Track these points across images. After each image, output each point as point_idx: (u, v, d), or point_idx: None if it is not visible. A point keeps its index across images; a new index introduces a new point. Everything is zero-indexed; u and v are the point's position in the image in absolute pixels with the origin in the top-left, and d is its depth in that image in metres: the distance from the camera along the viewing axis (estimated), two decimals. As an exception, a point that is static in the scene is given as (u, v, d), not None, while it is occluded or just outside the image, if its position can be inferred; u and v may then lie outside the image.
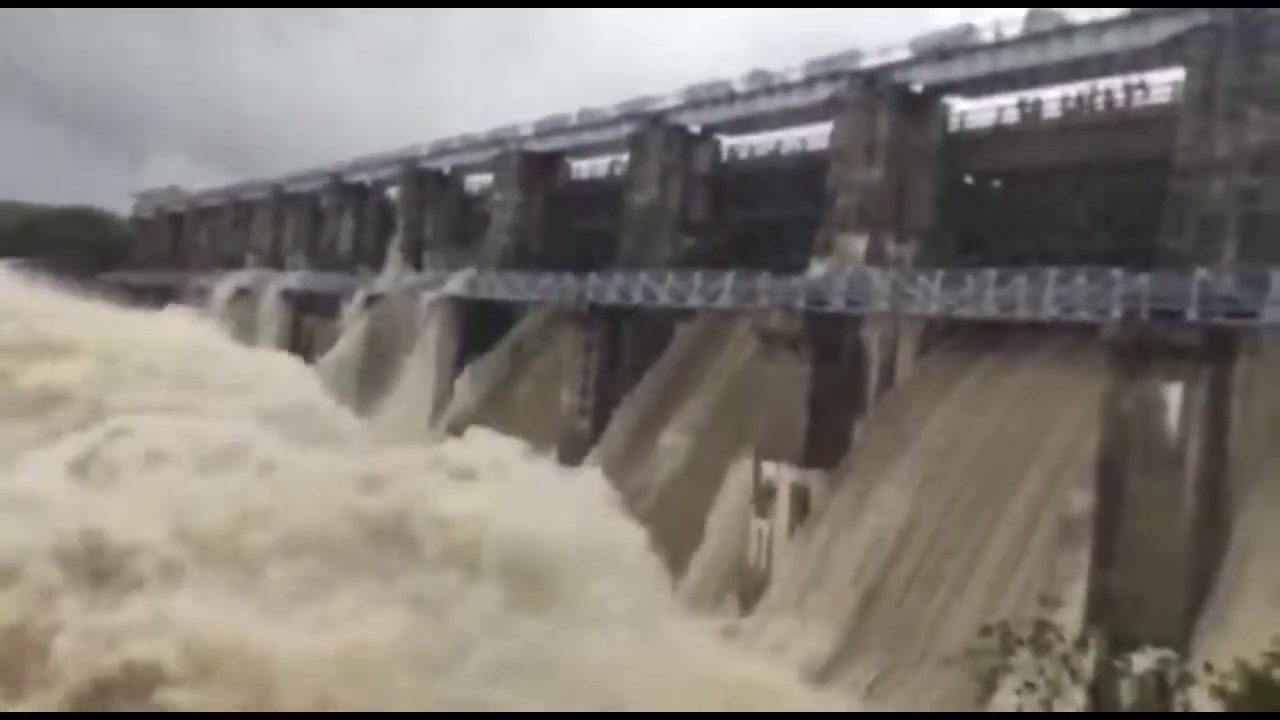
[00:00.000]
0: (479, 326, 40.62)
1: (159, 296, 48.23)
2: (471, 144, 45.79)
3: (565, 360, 34.21)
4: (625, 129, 36.45)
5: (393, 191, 51.82)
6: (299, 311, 51.04)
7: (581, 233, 41.35)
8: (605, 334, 33.08)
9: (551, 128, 41.30)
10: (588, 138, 39.66)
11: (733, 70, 36.39)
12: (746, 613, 23.92)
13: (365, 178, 53.24)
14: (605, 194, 39.88)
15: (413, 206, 48.82)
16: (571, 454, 32.95)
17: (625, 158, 37.60)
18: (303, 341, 47.48)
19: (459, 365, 40.51)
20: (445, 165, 48.34)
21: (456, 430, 36.71)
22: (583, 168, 43.64)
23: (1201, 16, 20.65)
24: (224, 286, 56.73)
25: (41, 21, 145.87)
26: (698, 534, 26.67)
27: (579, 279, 33.64)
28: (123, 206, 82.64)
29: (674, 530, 26.05)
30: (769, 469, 25.05)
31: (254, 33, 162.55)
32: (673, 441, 30.52)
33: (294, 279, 53.06)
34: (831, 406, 24.88)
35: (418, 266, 47.29)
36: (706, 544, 26.36)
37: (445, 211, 48.61)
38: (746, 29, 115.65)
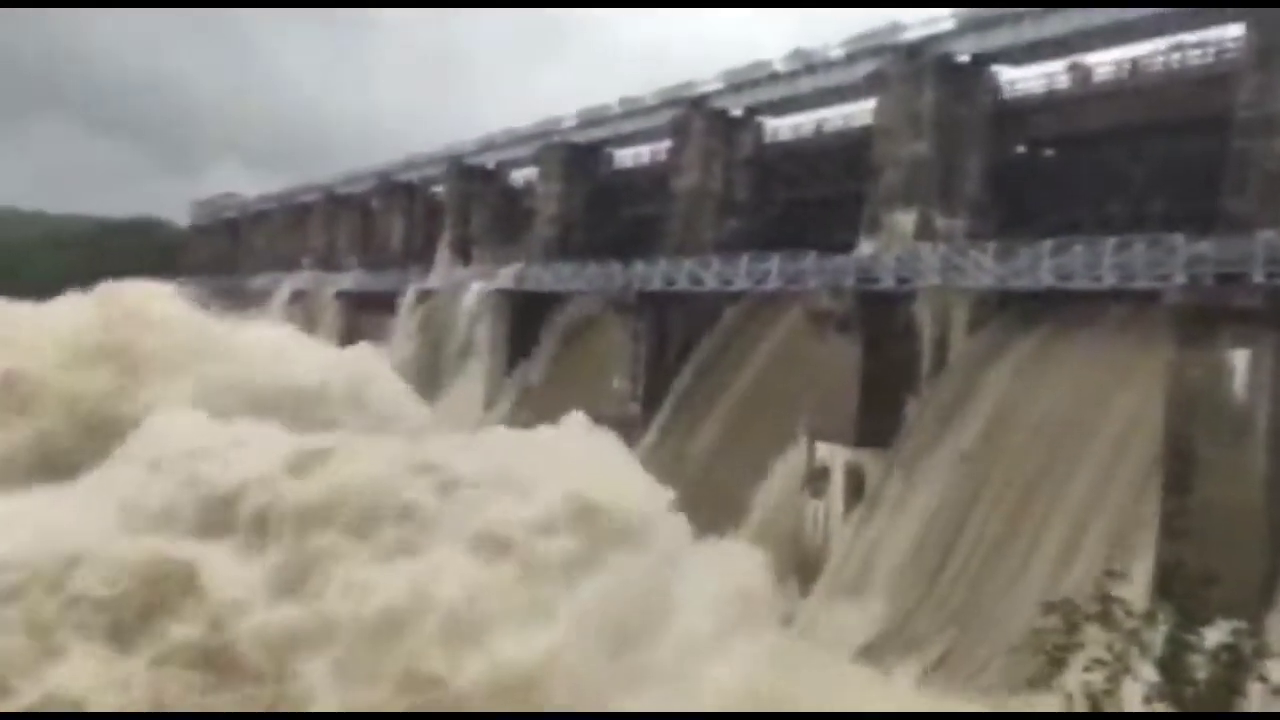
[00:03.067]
0: (528, 318, 40.99)
1: (219, 300, 49.56)
2: (515, 138, 46.04)
3: (614, 347, 34.37)
4: (666, 115, 36.34)
5: (439, 189, 52.44)
6: (354, 311, 52.01)
7: (626, 220, 41.38)
8: (653, 320, 33.15)
9: (593, 118, 41.35)
10: (629, 126, 39.62)
11: (770, 50, 36.01)
12: (805, 594, 23.88)
13: (413, 176, 53.89)
14: (648, 181, 39.82)
15: (459, 203, 49.34)
16: (624, 438, 33.05)
17: (667, 144, 37.51)
18: (358, 339, 48.36)
19: (510, 356, 40.98)
20: (490, 160, 48.68)
21: (509, 420, 37.27)
22: (626, 156, 43.65)
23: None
24: (283, 289, 58.21)
25: (105, 45, 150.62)
26: (750, 516, 26.66)
27: (625, 267, 33.73)
28: (182, 215, 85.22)
29: (724, 512, 26.13)
30: (822, 449, 24.91)
31: (297, 41, 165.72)
32: (724, 424, 30.50)
33: (348, 279, 54.11)
34: (884, 385, 24.61)
35: (466, 261, 47.83)
36: (760, 526, 26.33)
37: (491, 206, 49.02)
38: (783, 7, 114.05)
